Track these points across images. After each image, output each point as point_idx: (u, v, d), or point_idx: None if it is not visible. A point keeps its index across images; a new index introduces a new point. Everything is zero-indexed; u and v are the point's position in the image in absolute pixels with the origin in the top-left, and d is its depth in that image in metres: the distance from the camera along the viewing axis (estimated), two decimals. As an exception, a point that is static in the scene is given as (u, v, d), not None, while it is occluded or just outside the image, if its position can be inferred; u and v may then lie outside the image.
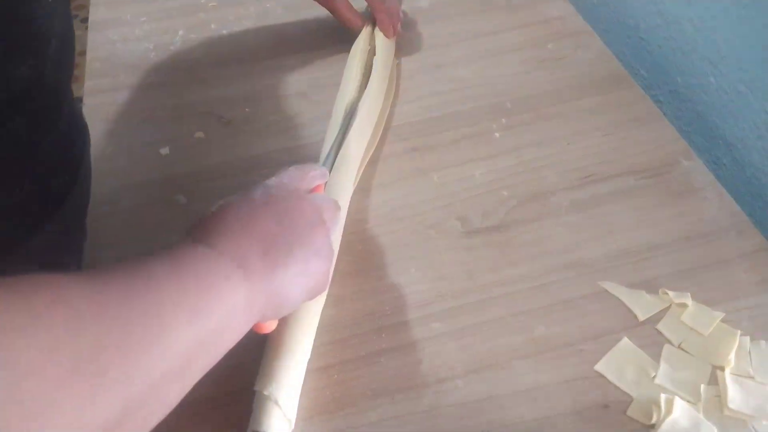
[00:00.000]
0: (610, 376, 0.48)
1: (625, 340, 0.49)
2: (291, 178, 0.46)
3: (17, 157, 0.46)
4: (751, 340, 0.49)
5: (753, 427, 0.45)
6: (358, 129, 0.61)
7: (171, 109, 0.69)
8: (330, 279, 0.47)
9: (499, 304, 0.52)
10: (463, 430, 0.46)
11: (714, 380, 0.47)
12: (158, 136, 0.67)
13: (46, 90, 0.47)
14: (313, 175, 0.48)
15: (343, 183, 0.57)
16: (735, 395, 0.45)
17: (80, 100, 0.67)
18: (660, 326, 0.50)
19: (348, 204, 0.58)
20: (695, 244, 0.55)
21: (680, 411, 0.45)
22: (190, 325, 0.33)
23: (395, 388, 0.48)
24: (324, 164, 0.55)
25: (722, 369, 0.47)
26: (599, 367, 0.48)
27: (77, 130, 0.55)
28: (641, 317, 0.50)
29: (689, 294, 0.51)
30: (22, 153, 0.46)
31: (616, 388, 0.47)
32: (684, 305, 0.51)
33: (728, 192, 0.59)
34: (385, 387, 0.48)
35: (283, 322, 0.47)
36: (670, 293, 0.51)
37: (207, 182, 0.63)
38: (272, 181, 0.45)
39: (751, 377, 0.47)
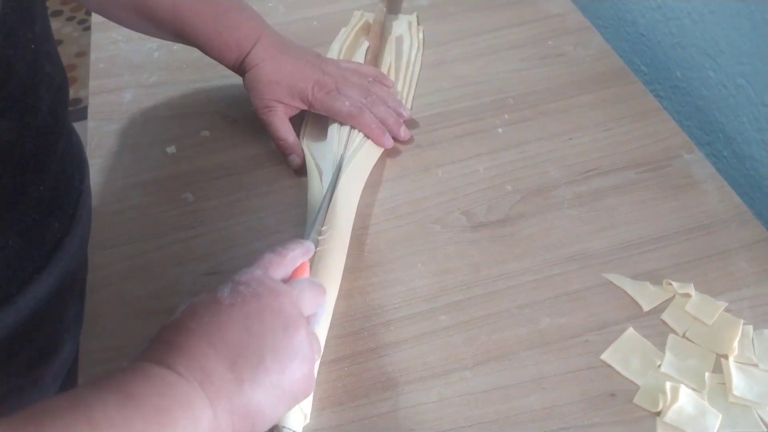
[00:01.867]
0: (616, 366, 0.48)
1: (631, 330, 0.50)
2: (265, 267, 0.42)
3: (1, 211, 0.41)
4: (754, 328, 0.50)
5: (757, 414, 0.45)
6: (349, 183, 0.59)
7: (176, 108, 0.70)
8: (315, 377, 0.43)
9: (505, 297, 0.53)
10: (472, 419, 0.46)
11: (718, 368, 0.48)
12: (164, 134, 0.67)
13: (35, 137, 0.42)
14: (292, 257, 0.44)
15: (336, 251, 0.53)
16: (739, 382, 0.46)
17: (80, 101, 0.66)
18: (664, 316, 0.51)
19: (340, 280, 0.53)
20: (697, 235, 0.56)
21: (686, 398, 0.46)
22: None
23: (405, 380, 0.49)
24: (309, 234, 0.51)
25: (726, 357, 0.48)
26: (605, 356, 0.49)
27: (72, 167, 0.49)
28: (646, 308, 0.51)
29: (692, 284, 0.52)
30: (6, 204, 0.41)
31: (622, 377, 0.48)
32: (687, 295, 0.51)
33: (728, 184, 0.59)
34: (395, 379, 0.49)
35: None
36: (674, 284, 0.52)
37: (214, 180, 0.63)
38: (243, 275, 0.40)
39: (755, 365, 0.48)
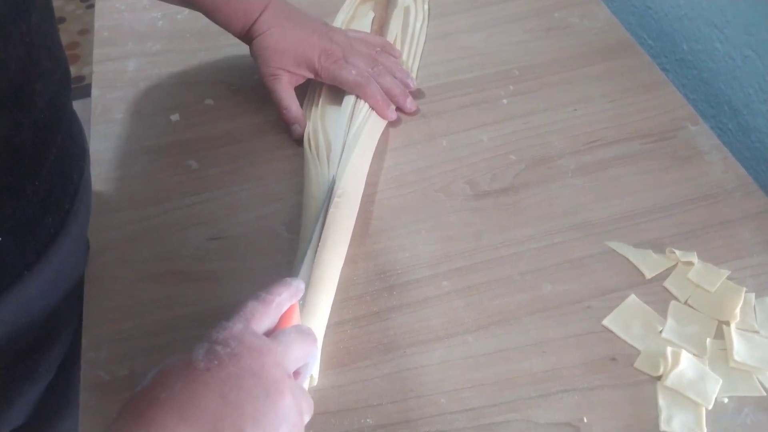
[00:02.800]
0: (617, 331, 0.48)
1: (632, 296, 0.50)
2: (247, 319, 0.38)
3: None
4: (756, 296, 0.50)
5: (757, 379, 0.46)
6: (359, 156, 0.58)
7: (180, 77, 0.70)
8: None
9: (507, 264, 0.53)
10: (474, 381, 0.47)
11: (720, 335, 0.48)
12: (168, 102, 0.67)
13: (30, 132, 0.40)
14: (278, 303, 0.40)
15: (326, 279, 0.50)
16: (740, 348, 0.46)
17: (83, 78, 0.63)
18: (666, 283, 0.51)
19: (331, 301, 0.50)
20: (701, 205, 0.56)
21: (687, 363, 0.46)
22: None
23: (407, 342, 0.49)
24: (299, 271, 0.47)
25: (728, 324, 0.48)
26: (607, 322, 0.49)
27: (71, 162, 0.47)
28: (648, 275, 0.51)
29: (695, 253, 0.52)
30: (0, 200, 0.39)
31: (624, 342, 0.48)
32: (690, 264, 0.51)
33: (733, 157, 0.59)
34: (397, 342, 0.49)
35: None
36: (677, 252, 0.52)
37: (218, 148, 0.63)
38: (220, 331, 0.36)
39: (756, 332, 0.48)
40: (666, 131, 0.62)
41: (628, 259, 0.53)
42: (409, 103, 0.64)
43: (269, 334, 0.39)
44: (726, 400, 0.45)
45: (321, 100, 0.66)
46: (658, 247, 0.53)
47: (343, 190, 0.55)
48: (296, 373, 0.40)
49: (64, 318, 0.52)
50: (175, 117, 0.66)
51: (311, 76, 0.64)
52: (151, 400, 0.33)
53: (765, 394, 0.45)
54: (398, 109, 0.64)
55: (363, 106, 0.62)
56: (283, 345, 0.38)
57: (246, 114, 0.66)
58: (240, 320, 0.38)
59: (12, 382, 0.48)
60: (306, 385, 0.43)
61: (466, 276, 0.53)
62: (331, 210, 0.53)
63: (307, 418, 0.38)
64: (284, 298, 0.41)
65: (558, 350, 0.48)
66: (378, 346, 0.49)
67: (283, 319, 0.41)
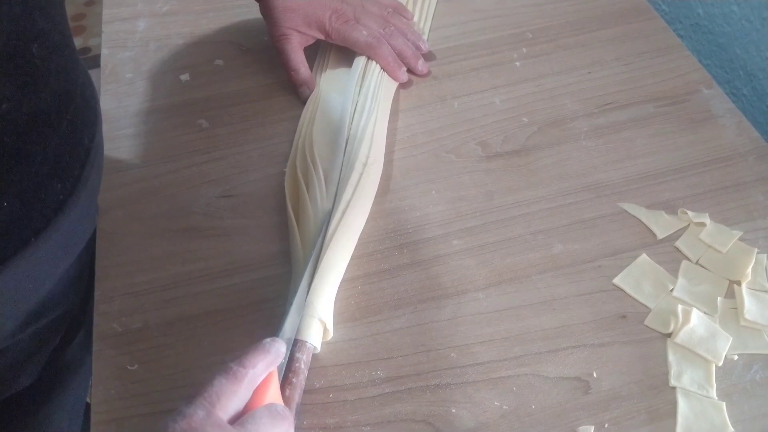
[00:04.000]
0: (628, 290, 0.48)
1: (644, 256, 0.50)
2: (212, 402, 0.33)
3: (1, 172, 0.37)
4: (768, 257, 0.50)
5: (767, 337, 0.46)
6: (378, 119, 0.57)
7: (189, 37, 0.69)
8: None
9: (518, 224, 0.53)
10: (483, 337, 0.47)
11: (731, 294, 0.48)
12: (178, 62, 0.67)
13: (37, 99, 0.38)
14: (252, 377, 0.36)
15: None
16: (751, 307, 0.46)
17: (89, 50, 0.59)
18: (678, 244, 0.51)
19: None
20: (714, 168, 0.56)
21: (697, 320, 0.46)
22: None
23: (417, 299, 0.49)
24: (282, 330, 0.42)
25: (739, 284, 0.48)
26: (617, 280, 0.49)
27: (83, 126, 0.45)
28: (660, 236, 0.51)
29: (707, 214, 0.52)
30: (6, 166, 0.37)
31: (634, 300, 0.48)
32: (702, 224, 0.51)
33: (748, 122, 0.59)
34: (408, 298, 0.49)
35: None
36: (689, 213, 0.52)
37: (228, 107, 0.63)
38: (178, 421, 0.32)
39: (767, 291, 0.48)
40: (680, 95, 0.61)
41: (640, 220, 0.52)
42: (421, 65, 0.64)
43: (240, 415, 0.35)
44: (736, 357, 0.45)
45: (330, 62, 0.65)
46: (671, 208, 0.53)
47: (373, 158, 0.55)
48: None
49: (72, 282, 0.52)
50: (185, 77, 0.65)
51: (321, 37, 0.63)
52: None
53: (775, 351, 0.45)
54: (410, 71, 0.64)
55: (374, 69, 0.62)
56: None
57: (256, 74, 0.66)
58: (202, 406, 0.33)
59: (20, 345, 0.48)
60: None
61: (477, 235, 0.53)
62: (363, 176, 0.53)
63: None
64: (259, 370, 0.36)
65: (568, 308, 0.48)
66: (389, 302, 0.49)
67: (257, 393, 0.36)
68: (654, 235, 0.51)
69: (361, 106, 0.59)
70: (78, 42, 0.46)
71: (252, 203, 0.55)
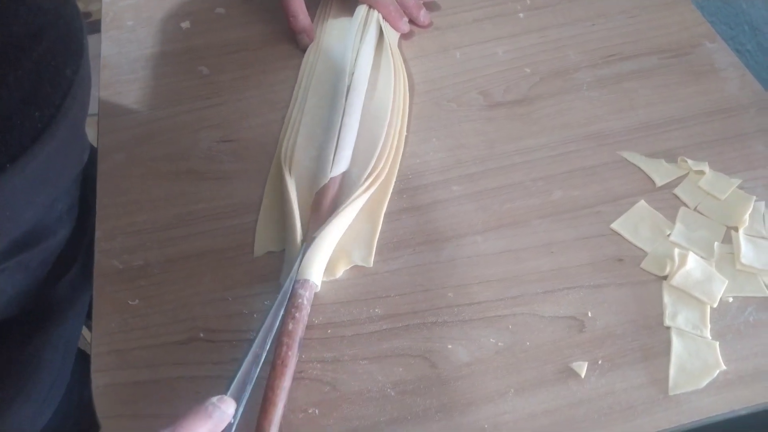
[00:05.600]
0: (625, 234, 0.49)
1: (642, 202, 0.50)
2: None
3: None
4: (766, 205, 0.50)
5: (763, 281, 0.46)
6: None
7: (191, -15, 0.69)
8: None
9: (519, 171, 0.53)
10: (481, 278, 0.47)
11: (728, 240, 0.48)
12: (179, 10, 0.66)
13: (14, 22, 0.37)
14: None
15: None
16: (748, 252, 0.47)
17: (89, 15, 0.58)
18: (677, 191, 0.51)
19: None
20: (715, 119, 0.56)
21: (694, 264, 0.46)
22: None
23: (416, 241, 0.49)
24: (231, 389, 0.39)
25: (736, 230, 0.48)
26: (615, 225, 0.49)
27: (63, 55, 0.44)
28: (659, 183, 0.51)
29: (707, 163, 0.52)
30: None
31: (631, 244, 0.48)
32: (701, 173, 0.51)
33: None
34: (407, 240, 0.49)
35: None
36: (689, 161, 0.52)
37: (229, 55, 0.63)
38: None
39: (764, 237, 0.48)
40: (683, 47, 0.61)
41: (639, 168, 0.52)
42: (423, 16, 0.63)
43: None
44: (731, 300, 0.45)
45: (332, 11, 0.65)
46: (671, 157, 0.53)
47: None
48: None
49: (60, 217, 0.52)
50: (185, 24, 0.65)
51: None
52: None
53: (770, 294, 0.46)
54: (411, 21, 0.63)
55: (375, 19, 0.61)
56: None
57: (257, 23, 0.65)
58: None
59: (5, 273, 0.48)
60: None
61: (477, 181, 0.53)
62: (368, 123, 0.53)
63: None
64: None
65: (566, 251, 0.48)
66: (387, 244, 0.49)
67: None
68: (653, 182, 0.52)
69: (362, 55, 0.59)
70: (79, 6, 0.46)
71: (252, 148, 0.55)
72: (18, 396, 0.56)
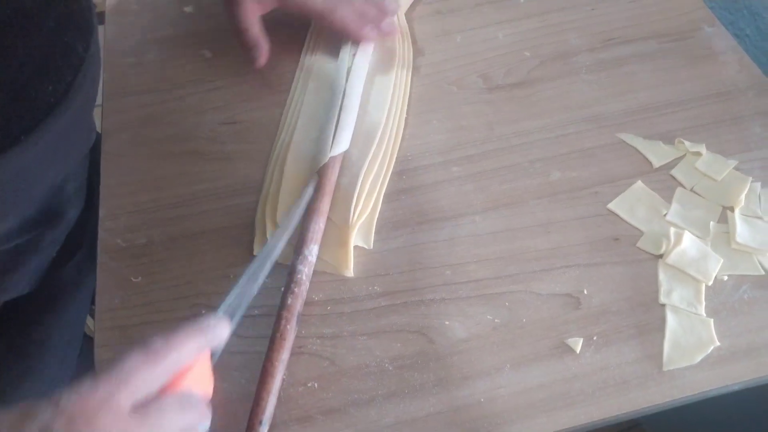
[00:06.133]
0: (622, 214, 0.49)
1: (639, 182, 0.51)
2: (116, 386, 0.29)
3: None
4: (762, 186, 0.50)
5: (757, 259, 0.47)
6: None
7: (194, -30, 0.69)
8: None
9: (517, 152, 0.54)
10: (479, 256, 0.48)
11: (723, 219, 0.49)
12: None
13: None
14: (175, 360, 0.31)
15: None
16: (743, 231, 0.47)
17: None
18: (674, 172, 0.51)
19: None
20: (713, 101, 0.56)
21: (689, 243, 0.47)
22: None
23: (415, 221, 0.50)
24: (224, 308, 0.39)
25: (732, 210, 0.49)
26: (612, 205, 0.50)
27: (74, 32, 0.45)
28: (656, 164, 0.52)
29: (704, 144, 0.52)
30: None
31: (628, 224, 0.49)
32: (698, 154, 0.52)
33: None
34: (407, 220, 0.50)
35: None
36: (686, 143, 0.52)
37: (231, 39, 0.62)
38: (72, 399, 0.28)
39: (760, 217, 0.48)
40: (683, 32, 0.61)
41: (637, 150, 0.53)
42: (386, 24, 0.58)
43: (150, 398, 0.31)
44: (726, 278, 0.46)
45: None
46: (669, 139, 0.53)
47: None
48: None
49: (69, 197, 0.53)
50: (188, 9, 0.66)
51: (274, 4, 0.56)
52: None
53: (764, 272, 0.46)
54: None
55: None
56: (151, 427, 0.29)
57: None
58: (106, 386, 0.29)
59: (18, 249, 0.49)
60: None
61: (476, 163, 0.53)
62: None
63: None
64: (186, 353, 0.32)
65: (563, 230, 0.49)
66: (387, 224, 0.50)
67: (178, 375, 0.32)
68: (650, 163, 0.52)
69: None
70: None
71: (254, 129, 0.56)
72: (27, 376, 0.57)
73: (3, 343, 0.55)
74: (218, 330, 0.35)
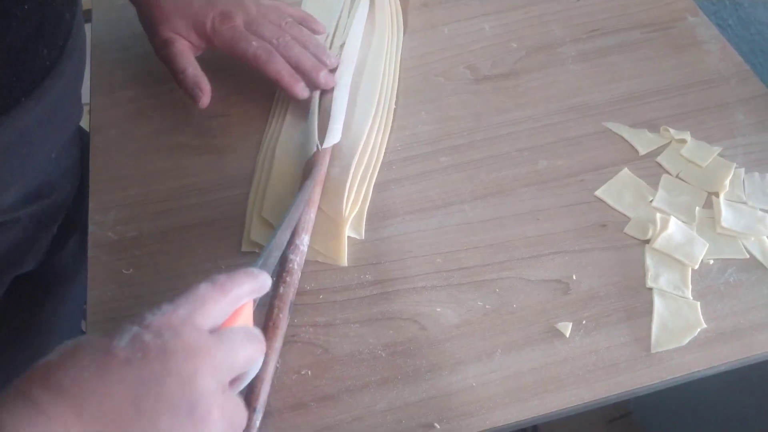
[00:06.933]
0: (609, 201, 0.50)
1: (626, 170, 0.51)
2: (194, 306, 0.31)
3: None
4: (746, 171, 0.51)
5: (742, 243, 0.47)
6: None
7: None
8: None
9: (505, 142, 0.54)
10: (469, 244, 0.48)
11: (709, 205, 0.50)
12: None
13: None
14: (236, 295, 0.34)
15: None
16: (728, 216, 0.48)
17: None
18: (659, 159, 0.52)
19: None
20: (697, 89, 0.57)
21: (675, 228, 0.47)
22: None
23: (405, 210, 0.50)
24: (263, 262, 0.40)
25: (717, 195, 0.50)
26: (599, 193, 0.50)
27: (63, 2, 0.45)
28: (642, 152, 0.53)
29: (689, 132, 0.53)
30: None
31: (615, 210, 0.50)
32: (683, 141, 0.53)
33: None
34: (396, 209, 0.50)
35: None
36: (671, 130, 0.53)
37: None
38: (157, 315, 0.30)
39: (744, 202, 0.49)
40: (666, 21, 0.62)
41: (623, 138, 0.54)
42: (323, 78, 0.53)
43: (214, 330, 0.33)
44: (711, 262, 0.47)
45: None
46: (654, 127, 0.54)
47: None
48: (234, 379, 0.34)
49: (64, 172, 0.54)
50: (176, 3, 0.65)
51: (203, 44, 0.54)
52: (49, 383, 0.27)
53: (748, 256, 0.47)
54: (311, 84, 0.54)
55: None
56: (226, 349, 0.31)
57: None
58: (185, 306, 0.31)
59: (21, 223, 0.50)
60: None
61: (464, 152, 0.54)
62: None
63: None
64: (244, 291, 0.34)
65: (551, 218, 0.50)
66: (377, 213, 0.50)
67: (235, 314, 0.35)
68: (636, 151, 0.53)
69: (353, 29, 0.59)
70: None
71: (242, 123, 0.56)
72: (31, 361, 0.58)
73: (7, 328, 0.55)
74: (264, 279, 0.37)
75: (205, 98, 0.52)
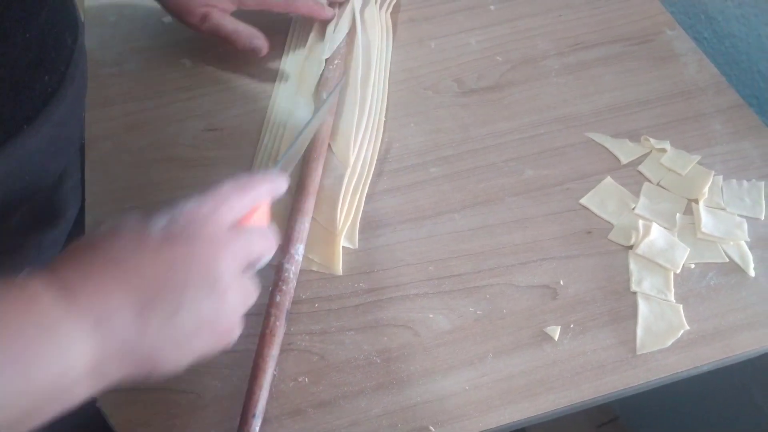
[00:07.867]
0: (593, 208, 0.52)
1: (609, 178, 0.53)
2: (218, 202, 0.35)
3: None
4: (724, 179, 0.53)
5: (722, 248, 0.49)
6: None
7: (172, -18, 0.70)
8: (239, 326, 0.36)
9: (492, 152, 0.56)
10: (459, 252, 0.50)
11: (689, 212, 0.51)
12: (159, 5, 0.68)
13: None
14: (257, 194, 0.37)
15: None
16: (708, 221, 0.50)
17: None
18: (641, 168, 0.54)
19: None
20: (676, 101, 0.59)
21: (657, 234, 0.49)
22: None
23: (396, 220, 0.52)
24: (281, 164, 0.44)
25: (696, 202, 0.52)
26: (584, 201, 0.52)
27: (63, 23, 0.47)
28: (624, 161, 0.54)
29: (669, 141, 0.55)
30: None
31: (599, 218, 0.51)
32: (663, 150, 0.54)
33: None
34: (387, 219, 0.52)
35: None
36: (651, 140, 0.55)
37: (211, 48, 0.64)
38: (187, 209, 0.34)
39: (723, 209, 0.51)
40: (646, 35, 0.64)
41: (605, 147, 0.56)
42: None
43: (235, 224, 0.36)
44: (693, 266, 0.48)
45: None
46: (635, 137, 0.56)
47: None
48: (246, 267, 0.37)
49: (66, 196, 0.54)
50: (167, 19, 0.66)
51: (234, 6, 0.59)
52: (97, 253, 0.32)
53: (728, 260, 0.49)
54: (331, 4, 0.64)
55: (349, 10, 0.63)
56: (243, 242, 0.35)
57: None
58: (211, 201, 0.35)
59: (20, 251, 0.50)
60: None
61: (453, 163, 0.55)
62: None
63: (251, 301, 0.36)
64: (263, 192, 0.38)
65: (538, 225, 0.51)
66: (370, 223, 0.51)
67: (252, 211, 0.38)
68: (618, 160, 0.55)
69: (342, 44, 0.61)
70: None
71: (236, 136, 0.57)
72: None
73: None
74: (281, 181, 0.40)
75: (265, 46, 0.58)
